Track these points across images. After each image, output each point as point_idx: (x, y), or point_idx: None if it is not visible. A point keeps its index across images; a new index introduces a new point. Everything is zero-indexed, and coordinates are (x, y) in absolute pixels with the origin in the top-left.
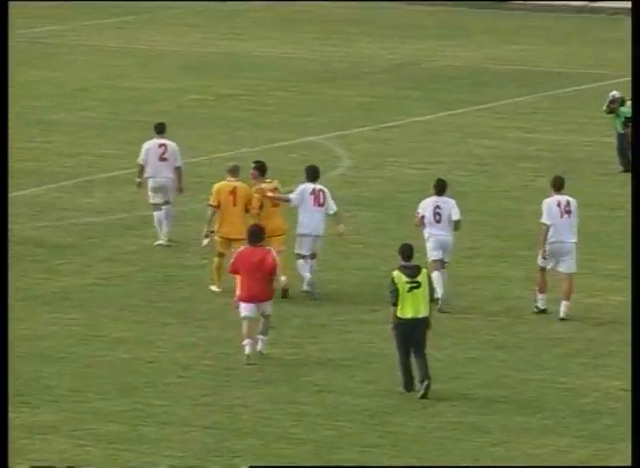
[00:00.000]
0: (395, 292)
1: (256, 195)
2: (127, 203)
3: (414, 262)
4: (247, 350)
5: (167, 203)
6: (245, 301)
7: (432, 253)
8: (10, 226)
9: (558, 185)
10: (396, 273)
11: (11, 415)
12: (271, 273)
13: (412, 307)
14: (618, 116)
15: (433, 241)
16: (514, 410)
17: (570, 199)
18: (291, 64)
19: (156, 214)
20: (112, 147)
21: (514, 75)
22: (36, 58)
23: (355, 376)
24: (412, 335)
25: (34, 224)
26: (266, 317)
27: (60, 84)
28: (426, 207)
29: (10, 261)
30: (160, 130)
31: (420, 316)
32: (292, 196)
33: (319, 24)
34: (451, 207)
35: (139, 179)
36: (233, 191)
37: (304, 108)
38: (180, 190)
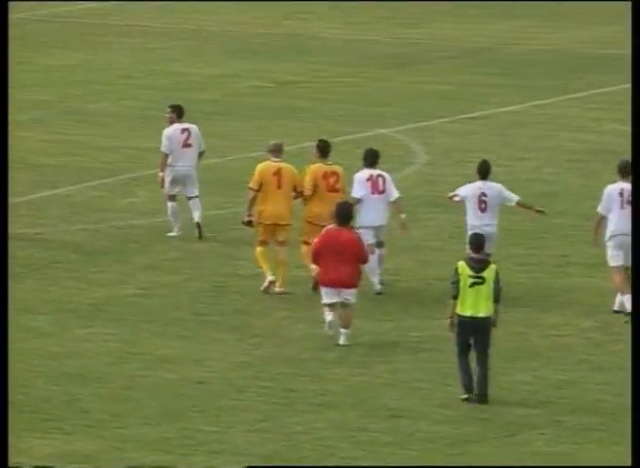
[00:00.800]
0: (456, 284)
1: (308, 177)
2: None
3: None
4: (329, 317)
5: (191, 198)
6: (327, 286)
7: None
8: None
9: (625, 171)
10: (461, 264)
11: (40, 442)
12: (358, 257)
13: (471, 305)
14: None
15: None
16: (611, 439)
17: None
18: (360, 48)
19: (171, 204)
20: (156, 140)
21: (611, 60)
22: (73, 40)
23: (431, 400)
24: (471, 336)
25: (68, 228)
26: (349, 307)
27: (99, 69)
28: (468, 193)
29: (38, 269)
30: (180, 113)
31: (480, 315)
32: (353, 194)
33: (390, 3)
34: (499, 192)
35: (162, 173)
36: (278, 172)
37: (375, 97)
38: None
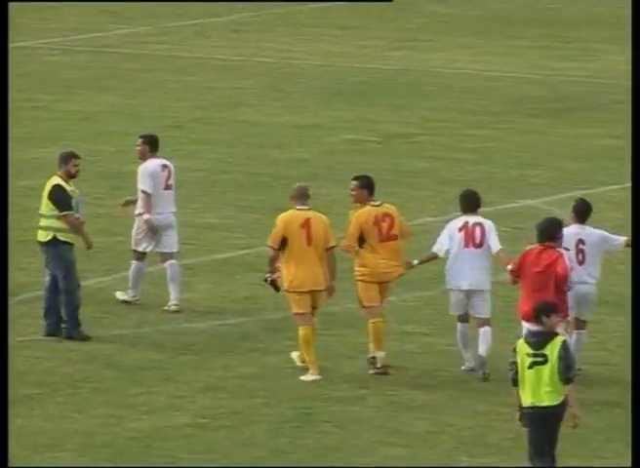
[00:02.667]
0: (514, 367)
1: (352, 228)
2: (244, 299)
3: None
4: None
5: (170, 257)
6: (528, 320)
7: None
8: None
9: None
10: (520, 342)
11: None
12: (562, 283)
13: (531, 391)
14: None
15: (572, 293)
16: None
17: None
18: (499, 88)
19: (137, 264)
20: (220, 215)
21: None
22: (106, 77)
23: None
24: (538, 432)
25: (102, 332)
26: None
27: (141, 116)
28: (566, 239)
29: (61, 390)
30: (154, 145)
31: (543, 404)
32: (435, 248)
33: (542, 28)
34: (600, 238)
35: (149, 215)
36: (306, 223)
37: (520, 155)
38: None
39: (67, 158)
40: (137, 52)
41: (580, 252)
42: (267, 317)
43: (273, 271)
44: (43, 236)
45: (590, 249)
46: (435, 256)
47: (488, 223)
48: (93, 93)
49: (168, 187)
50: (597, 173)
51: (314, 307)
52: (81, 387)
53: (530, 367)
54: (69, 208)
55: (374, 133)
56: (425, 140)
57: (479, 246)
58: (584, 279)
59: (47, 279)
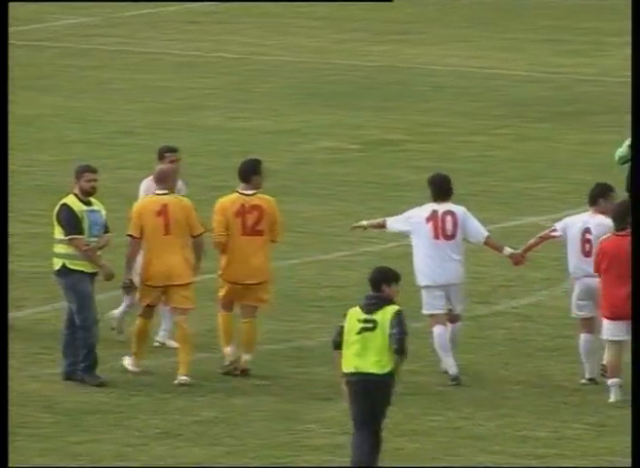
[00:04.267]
0: (339, 331)
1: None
2: (205, 332)
3: None
4: (612, 390)
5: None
6: (609, 318)
7: (579, 306)
8: None
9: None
10: (355, 308)
11: None
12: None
13: (357, 357)
14: None
15: (581, 286)
16: None
17: None
18: (499, 88)
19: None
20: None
21: None
22: (45, 76)
23: None
24: (361, 400)
25: (36, 371)
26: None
27: (85, 120)
28: (569, 229)
29: None
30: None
31: (368, 371)
32: (390, 220)
33: (550, 19)
34: (607, 229)
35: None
36: (163, 210)
37: (524, 166)
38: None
39: (80, 172)
40: (80, 46)
41: (586, 242)
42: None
43: (128, 278)
44: (55, 264)
45: (598, 238)
46: (383, 226)
47: (460, 211)
48: (30, 94)
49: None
50: (614, 186)
51: (174, 306)
52: (17, 433)
53: (359, 332)
54: (77, 230)
55: (355, 139)
56: (415, 148)
57: (451, 237)
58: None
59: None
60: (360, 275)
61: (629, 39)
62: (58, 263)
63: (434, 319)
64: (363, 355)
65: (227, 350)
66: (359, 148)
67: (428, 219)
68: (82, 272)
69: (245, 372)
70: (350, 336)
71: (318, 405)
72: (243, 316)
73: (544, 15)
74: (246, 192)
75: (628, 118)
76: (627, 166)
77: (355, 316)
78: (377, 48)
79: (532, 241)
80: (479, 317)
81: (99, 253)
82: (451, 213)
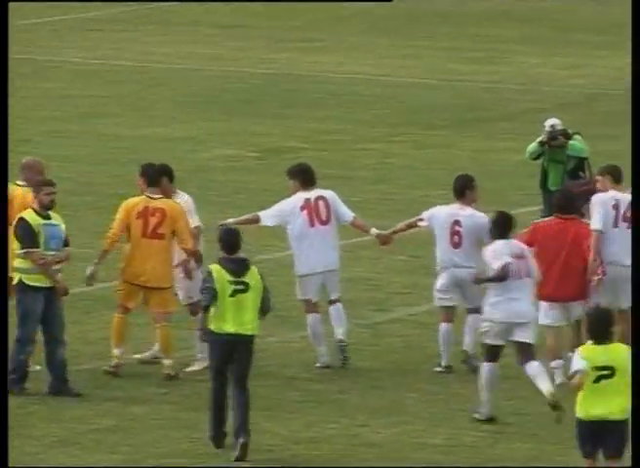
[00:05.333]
0: (211, 293)
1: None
2: (100, 340)
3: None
4: (556, 378)
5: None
6: (549, 300)
7: (439, 296)
8: None
9: (616, 176)
10: (217, 268)
11: None
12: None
13: (233, 319)
14: (554, 161)
15: (447, 276)
16: None
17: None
18: (397, 95)
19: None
20: (78, 242)
21: None
22: None
23: None
24: (231, 358)
25: None
26: (580, 325)
27: None
28: (436, 219)
29: None
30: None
31: (247, 333)
32: (263, 215)
33: (447, 25)
34: (478, 225)
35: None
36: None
37: (423, 173)
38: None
39: (39, 186)
40: None
41: (455, 233)
42: (129, 361)
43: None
44: (14, 278)
45: (468, 230)
46: (257, 221)
47: (330, 194)
48: None
49: None
50: (511, 192)
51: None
52: None
53: (232, 295)
54: (33, 244)
55: (254, 147)
56: (313, 156)
57: (326, 222)
58: (460, 263)
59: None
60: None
61: (527, 48)
62: (16, 277)
63: (309, 306)
64: (238, 316)
65: (115, 352)
66: (258, 156)
67: (303, 208)
68: (37, 289)
69: (169, 377)
70: (224, 299)
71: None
72: (155, 321)
73: (442, 22)
74: (152, 195)
75: (529, 126)
76: (540, 161)
77: (224, 278)
78: (275, 56)
79: (399, 225)
80: (375, 324)
81: (57, 266)
82: (322, 198)
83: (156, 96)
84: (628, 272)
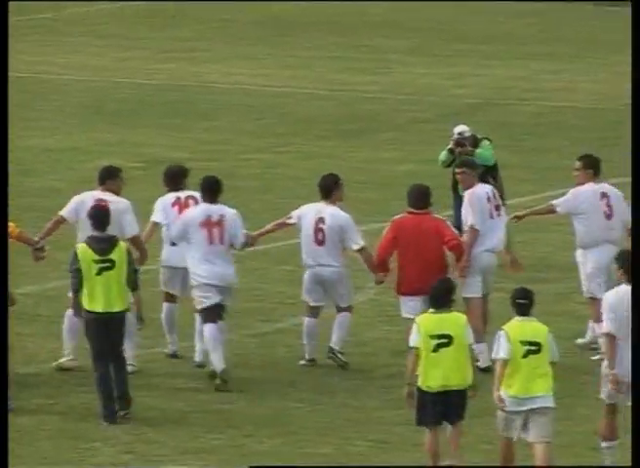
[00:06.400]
0: (77, 275)
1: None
2: None
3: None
4: None
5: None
6: (410, 294)
7: (309, 293)
8: None
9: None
10: (83, 246)
11: None
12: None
13: (102, 297)
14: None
15: (312, 274)
16: None
17: None
18: (284, 105)
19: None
20: None
21: None
22: None
23: None
24: (107, 337)
25: None
26: None
27: None
28: (304, 218)
29: None
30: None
31: (114, 310)
32: (170, 235)
33: (334, 36)
34: (342, 225)
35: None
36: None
37: (309, 183)
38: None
39: None
40: None
41: (318, 231)
42: (15, 370)
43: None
44: None
45: (331, 230)
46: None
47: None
48: None
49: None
50: (395, 202)
51: None
52: None
53: (98, 273)
54: None
55: (139, 157)
56: (199, 166)
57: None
58: (325, 262)
59: None
60: (149, 293)
61: (413, 58)
62: None
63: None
64: (107, 294)
65: None
66: (142, 166)
67: (173, 204)
68: None
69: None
70: (90, 278)
71: (103, 423)
72: None
73: (329, 32)
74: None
75: (415, 136)
76: (452, 169)
77: (90, 257)
78: (160, 66)
79: (268, 227)
80: (261, 334)
81: None
82: (193, 197)
83: (40, 106)
84: (494, 259)
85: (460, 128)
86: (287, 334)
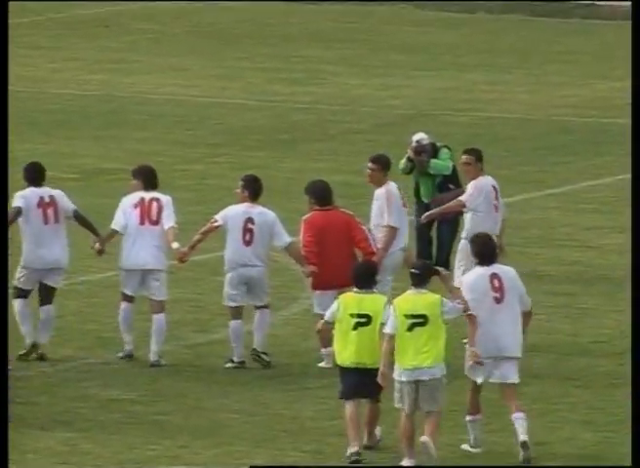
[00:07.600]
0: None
1: None
2: None
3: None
4: (325, 358)
5: None
6: (325, 288)
7: (232, 297)
8: None
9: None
10: None
11: None
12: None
13: None
14: (424, 174)
15: (236, 275)
16: None
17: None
18: (216, 116)
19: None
20: None
21: None
22: None
23: None
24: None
25: None
26: None
27: None
28: (231, 219)
29: None
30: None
31: None
32: (113, 225)
33: (266, 46)
34: (271, 223)
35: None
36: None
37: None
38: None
39: None
40: None
41: (247, 231)
42: None
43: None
44: None
45: (260, 228)
46: (116, 232)
47: (166, 199)
48: None
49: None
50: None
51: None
52: None
53: None
54: None
55: (72, 168)
56: (127, 177)
57: (156, 223)
58: (250, 262)
59: None
60: (79, 304)
61: (346, 68)
62: None
63: (125, 297)
64: None
65: None
66: (76, 177)
67: (136, 206)
68: None
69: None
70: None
71: (37, 434)
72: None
73: (260, 43)
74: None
75: (346, 147)
76: (412, 175)
77: None
78: (92, 77)
79: (195, 237)
80: (197, 345)
81: None
82: (157, 199)
83: None
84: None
85: (419, 135)
86: (222, 345)
